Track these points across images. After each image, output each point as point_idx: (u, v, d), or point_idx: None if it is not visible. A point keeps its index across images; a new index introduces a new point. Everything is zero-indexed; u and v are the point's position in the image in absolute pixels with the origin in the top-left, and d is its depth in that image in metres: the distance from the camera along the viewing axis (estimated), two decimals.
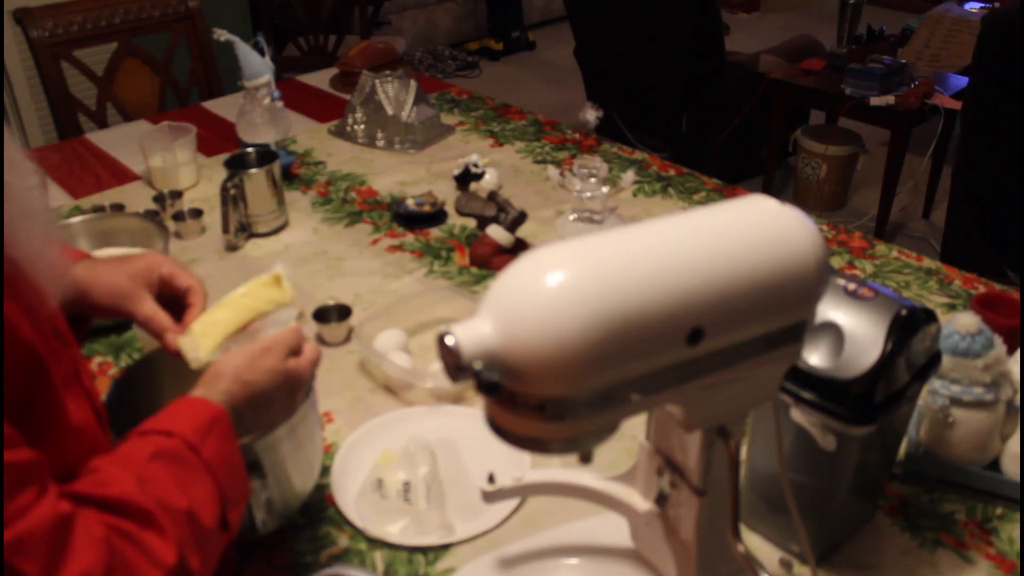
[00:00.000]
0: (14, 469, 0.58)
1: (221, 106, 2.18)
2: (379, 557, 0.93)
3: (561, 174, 1.75)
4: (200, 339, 0.89)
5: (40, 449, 0.65)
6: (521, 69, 5.30)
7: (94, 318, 0.97)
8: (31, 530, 0.57)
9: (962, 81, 3.14)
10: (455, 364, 0.58)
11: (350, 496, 1.00)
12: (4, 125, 0.70)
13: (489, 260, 1.45)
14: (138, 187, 1.77)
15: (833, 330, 0.82)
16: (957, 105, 2.94)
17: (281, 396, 0.82)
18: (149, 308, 0.91)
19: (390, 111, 1.91)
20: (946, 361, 0.95)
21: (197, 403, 0.75)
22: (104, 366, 1.24)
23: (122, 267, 0.93)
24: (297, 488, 0.92)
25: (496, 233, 1.44)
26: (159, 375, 0.97)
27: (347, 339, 1.28)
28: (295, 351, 0.84)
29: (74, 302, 0.92)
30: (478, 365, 0.57)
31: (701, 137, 3.39)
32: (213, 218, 1.58)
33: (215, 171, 1.78)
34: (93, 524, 0.61)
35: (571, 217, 1.57)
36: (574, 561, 0.90)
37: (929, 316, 0.84)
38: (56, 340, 0.74)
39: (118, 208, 1.63)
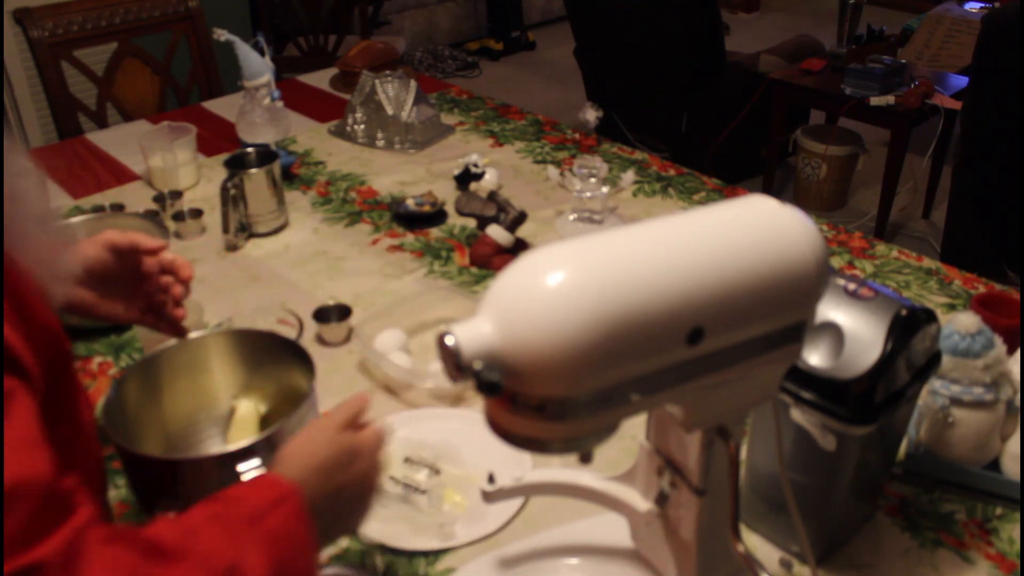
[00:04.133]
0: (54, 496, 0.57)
1: (221, 106, 2.18)
2: (379, 557, 0.93)
3: (561, 174, 1.75)
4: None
5: (70, 440, 0.66)
6: (521, 69, 5.30)
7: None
8: (44, 555, 0.55)
9: (962, 81, 3.14)
10: (455, 364, 0.58)
11: None
12: (4, 127, 0.70)
13: (489, 260, 1.45)
14: (138, 187, 1.77)
15: (833, 330, 0.82)
16: (957, 105, 2.94)
17: (348, 472, 0.77)
18: (103, 310, 0.95)
19: (390, 111, 1.91)
20: (946, 361, 0.95)
21: (269, 479, 0.73)
22: (104, 366, 1.24)
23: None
24: None
25: (496, 233, 1.44)
26: (158, 377, 0.97)
27: (347, 339, 1.28)
28: (352, 424, 0.80)
29: None
30: (478, 365, 0.57)
31: (701, 137, 3.39)
32: (213, 218, 1.58)
33: (215, 171, 1.78)
34: (120, 553, 0.59)
35: (571, 217, 1.57)
36: (574, 561, 0.90)
37: (929, 316, 0.84)
38: (57, 337, 0.75)
39: (118, 208, 1.63)
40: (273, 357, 0.99)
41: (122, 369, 1.22)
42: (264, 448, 0.83)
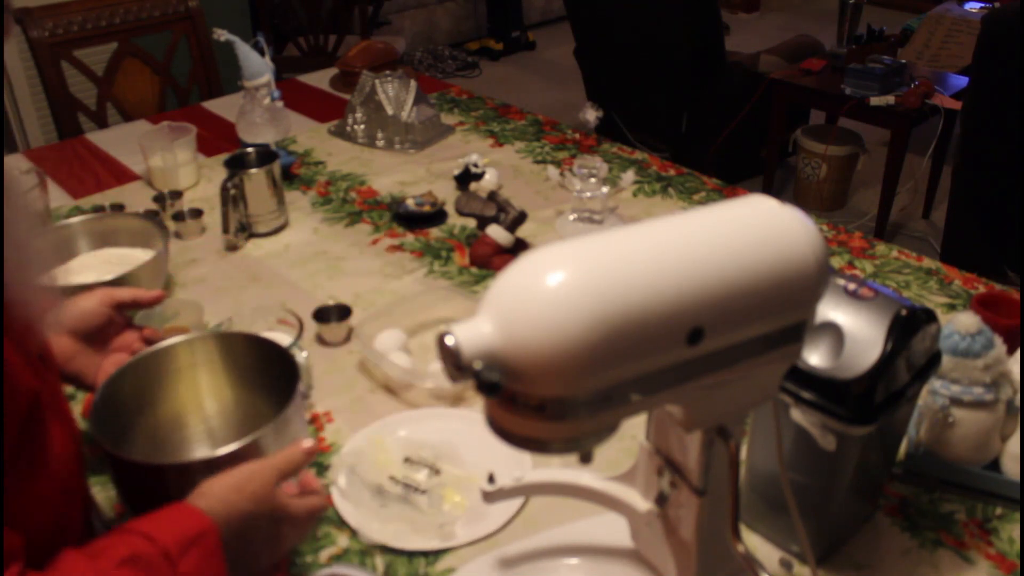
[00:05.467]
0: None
1: (221, 106, 2.18)
2: (379, 557, 0.93)
3: (561, 174, 1.75)
4: None
5: (31, 479, 0.64)
6: (521, 69, 5.30)
7: None
8: None
9: (962, 81, 3.14)
10: (455, 364, 0.58)
11: (350, 498, 1.00)
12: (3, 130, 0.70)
13: (489, 260, 1.45)
14: (138, 187, 1.77)
15: (833, 330, 0.82)
16: (957, 105, 2.94)
17: (265, 529, 0.77)
18: (75, 366, 0.94)
19: (390, 111, 1.91)
20: (946, 361, 0.95)
21: (189, 512, 0.72)
22: None
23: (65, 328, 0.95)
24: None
25: (496, 233, 1.44)
26: (147, 379, 0.96)
27: (347, 339, 1.28)
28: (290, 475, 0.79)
29: None
30: (478, 365, 0.57)
31: (701, 137, 3.39)
32: (213, 218, 1.58)
33: (215, 171, 1.78)
34: None
35: (571, 217, 1.57)
36: (574, 561, 0.90)
37: (929, 316, 0.84)
38: (42, 367, 0.74)
39: (118, 208, 1.63)
40: (259, 361, 0.97)
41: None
42: (251, 453, 0.81)
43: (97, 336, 0.98)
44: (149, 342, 0.99)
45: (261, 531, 0.76)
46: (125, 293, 1.00)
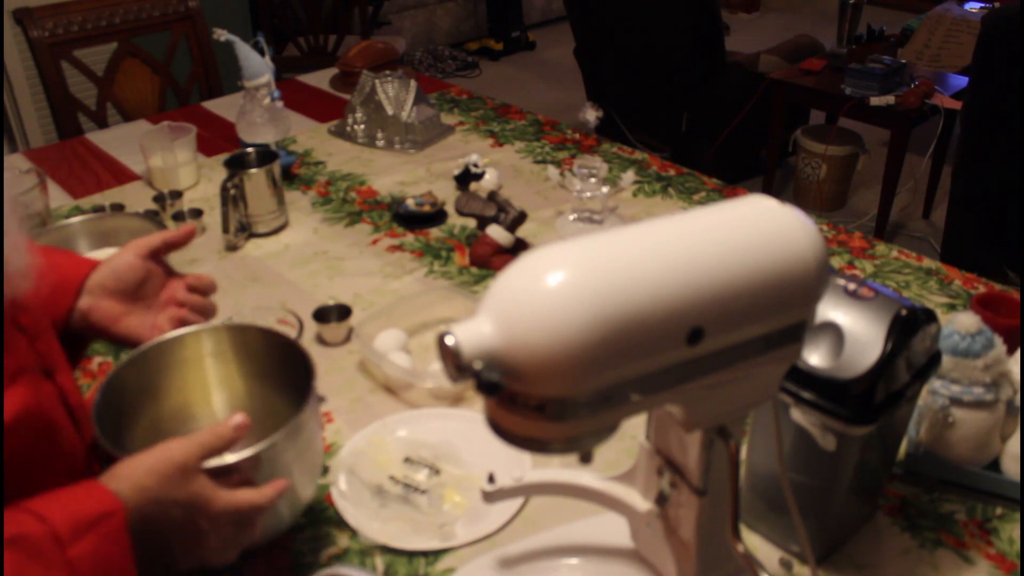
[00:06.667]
0: None
1: (221, 106, 2.18)
2: (379, 557, 0.93)
3: (561, 174, 1.75)
4: None
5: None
6: (521, 69, 5.30)
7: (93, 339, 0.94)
8: None
9: (962, 81, 3.14)
10: (455, 364, 0.57)
11: (350, 498, 1.00)
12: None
13: (489, 260, 1.45)
14: (138, 187, 1.77)
15: (833, 330, 0.82)
16: (957, 105, 2.94)
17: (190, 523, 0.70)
18: (127, 327, 0.90)
19: (390, 111, 1.91)
20: (946, 361, 0.95)
21: (93, 491, 0.66)
22: (105, 366, 1.24)
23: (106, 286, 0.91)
24: (300, 495, 0.89)
25: (496, 233, 1.44)
26: (152, 371, 0.92)
27: (347, 339, 1.28)
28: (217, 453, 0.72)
29: (83, 330, 0.90)
30: (478, 365, 0.57)
31: (701, 137, 3.39)
32: (213, 218, 1.58)
33: (215, 171, 1.78)
34: None
35: (571, 217, 1.57)
36: (574, 561, 0.90)
37: (929, 316, 0.84)
38: (13, 330, 0.71)
39: (118, 208, 1.63)
40: (272, 356, 0.94)
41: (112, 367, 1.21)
42: (262, 464, 0.78)
43: (139, 291, 0.93)
44: (194, 289, 0.95)
45: (175, 522, 0.69)
46: (155, 239, 0.94)
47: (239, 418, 0.75)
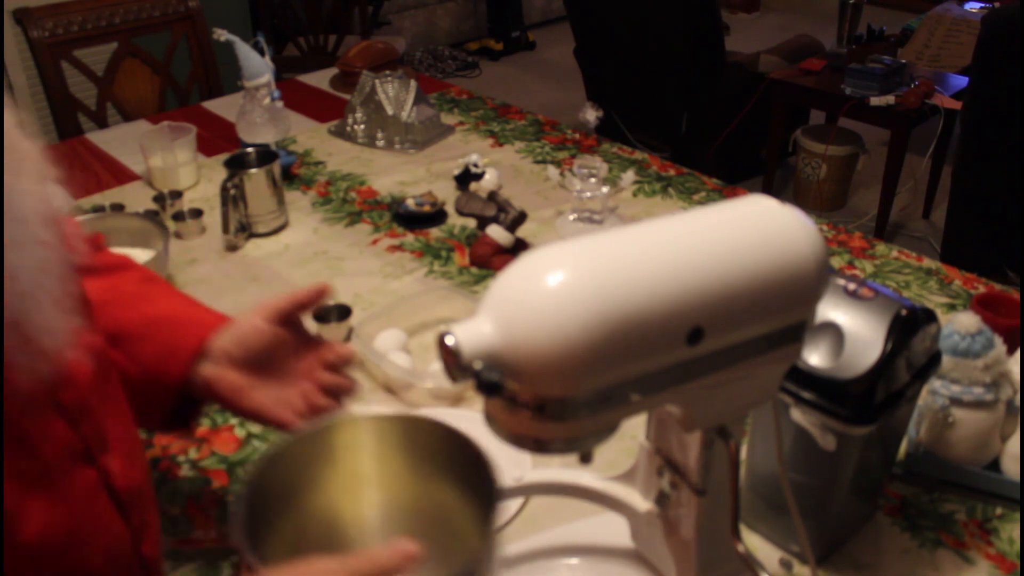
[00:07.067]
0: None
1: (221, 106, 2.18)
2: None
3: (561, 174, 1.75)
4: None
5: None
6: (521, 69, 5.30)
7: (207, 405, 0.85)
8: None
9: (962, 81, 3.14)
10: (455, 364, 0.57)
11: None
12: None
13: (489, 260, 1.45)
14: (138, 187, 1.77)
15: (833, 330, 0.82)
16: (957, 105, 2.94)
17: None
18: (253, 401, 0.80)
19: (390, 111, 1.91)
20: (946, 361, 0.95)
21: None
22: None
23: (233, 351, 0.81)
24: None
25: (496, 233, 1.44)
26: (297, 468, 0.75)
27: (347, 339, 1.28)
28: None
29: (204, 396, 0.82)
30: (478, 365, 0.57)
31: (701, 137, 3.39)
32: (213, 218, 1.58)
33: (215, 171, 1.78)
34: None
35: (571, 217, 1.57)
36: (574, 561, 0.90)
37: (929, 316, 0.84)
38: (52, 416, 0.62)
39: (118, 208, 1.63)
40: (443, 453, 0.75)
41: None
42: None
43: (267, 363, 0.82)
44: (332, 366, 0.84)
45: None
46: (283, 301, 0.83)
47: (409, 547, 0.60)
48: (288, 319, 0.84)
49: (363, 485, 0.78)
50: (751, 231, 0.64)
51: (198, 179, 1.78)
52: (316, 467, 0.75)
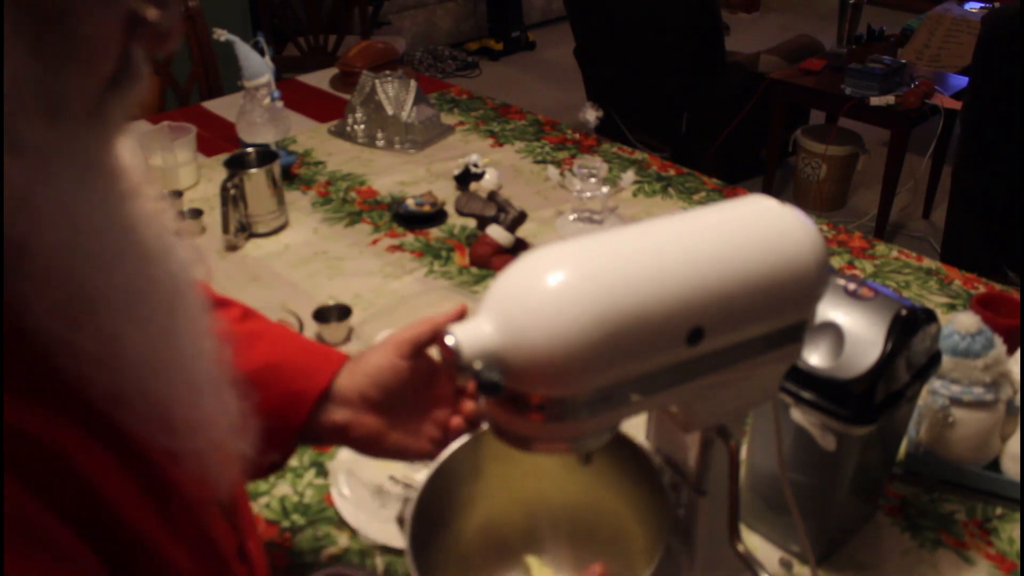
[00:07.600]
0: None
1: (221, 106, 2.18)
2: (379, 557, 0.93)
3: (561, 174, 1.74)
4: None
5: None
6: (521, 69, 5.30)
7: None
8: None
9: (962, 81, 3.14)
10: (455, 364, 0.57)
11: (350, 498, 1.00)
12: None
13: (489, 260, 1.45)
14: None
15: (833, 330, 0.82)
16: (957, 105, 2.94)
17: None
18: (393, 443, 0.76)
19: (390, 111, 1.91)
20: (946, 361, 0.95)
21: None
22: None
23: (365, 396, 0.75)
24: None
25: (496, 233, 1.44)
26: (451, 486, 0.75)
27: (347, 339, 1.28)
28: None
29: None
30: (478, 365, 0.57)
31: (701, 137, 3.39)
32: (213, 218, 1.58)
33: (215, 171, 1.78)
34: None
35: (571, 217, 1.57)
36: None
37: (929, 316, 0.84)
38: (218, 515, 0.58)
39: None
40: (622, 472, 0.73)
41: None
42: None
43: (402, 402, 0.77)
44: (465, 393, 0.80)
45: None
46: (423, 332, 0.77)
47: (597, 570, 0.62)
48: (423, 350, 0.79)
49: (518, 493, 0.78)
50: (751, 231, 0.64)
51: (198, 179, 1.78)
52: (471, 480, 0.76)
